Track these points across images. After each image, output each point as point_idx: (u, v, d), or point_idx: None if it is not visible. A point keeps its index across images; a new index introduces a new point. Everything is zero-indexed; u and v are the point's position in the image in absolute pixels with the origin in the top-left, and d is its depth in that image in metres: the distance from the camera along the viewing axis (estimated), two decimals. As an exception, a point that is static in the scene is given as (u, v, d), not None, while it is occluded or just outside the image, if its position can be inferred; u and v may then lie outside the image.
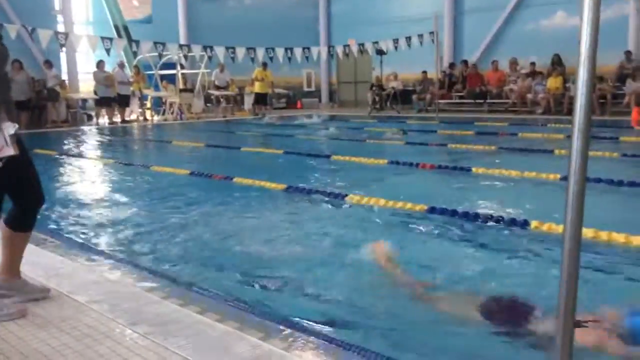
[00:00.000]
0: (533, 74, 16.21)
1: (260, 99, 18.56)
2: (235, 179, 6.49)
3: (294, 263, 3.63)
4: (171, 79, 18.28)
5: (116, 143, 12.64)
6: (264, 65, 17.98)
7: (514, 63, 17.11)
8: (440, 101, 17.79)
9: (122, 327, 2.54)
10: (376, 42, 17.44)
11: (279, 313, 2.75)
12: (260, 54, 16.64)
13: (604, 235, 3.73)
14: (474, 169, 6.73)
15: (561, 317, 1.55)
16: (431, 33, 16.36)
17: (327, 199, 5.42)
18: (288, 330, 2.49)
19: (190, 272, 3.54)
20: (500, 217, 4.41)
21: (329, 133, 12.80)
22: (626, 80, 14.29)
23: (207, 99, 19.25)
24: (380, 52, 17.95)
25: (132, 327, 2.52)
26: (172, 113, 17.62)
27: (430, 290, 2.93)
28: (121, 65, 16.66)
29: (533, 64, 16.54)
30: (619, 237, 3.70)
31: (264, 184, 6.12)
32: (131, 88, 16.76)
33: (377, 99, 19.09)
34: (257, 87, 18.36)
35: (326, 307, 2.94)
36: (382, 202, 5.04)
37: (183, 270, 3.57)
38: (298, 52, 17.13)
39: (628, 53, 15.07)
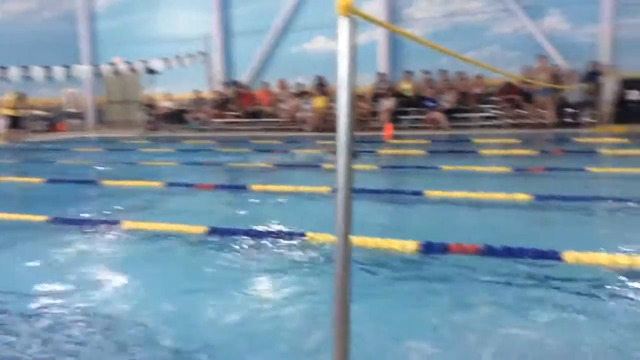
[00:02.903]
0: (301, 94, 17.24)
1: (15, 122, 16.69)
2: (-15, 214, 5.67)
3: (61, 302, 3.27)
4: None
5: None
6: (20, 95, 16.25)
7: (282, 83, 18.02)
8: (215, 120, 17.94)
9: None
10: (145, 61, 16.94)
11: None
12: (15, 73, 14.97)
13: (370, 241, 4.06)
14: (251, 186, 6.86)
15: (337, 320, 1.63)
16: (202, 53, 16.46)
17: (98, 227, 5.04)
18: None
19: None
20: (280, 231, 4.54)
21: (97, 157, 11.99)
22: (380, 99, 16.01)
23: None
24: (150, 71, 17.48)
25: None
26: None
27: None
28: None
29: (300, 84, 17.59)
30: (383, 243, 4.06)
31: (21, 217, 5.45)
32: None
33: (150, 119, 18.51)
34: (10, 110, 16.49)
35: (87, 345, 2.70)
36: (159, 226, 4.85)
37: None
38: (58, 70, 15.83)
39: (380, 74, 16.89)
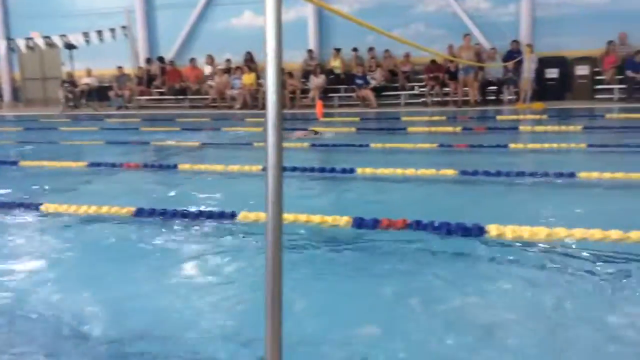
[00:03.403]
0: (229, 70, 16.94)
1: None
2: None
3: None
4: None
5: None
6: None
7: (210, 59, 17.61)
8: (140, 97, 17.37)
9: None
10: (64, 35, 16.13)
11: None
12: None
13: (302, 217, 4.07)
14: (180, 166, 6.71)
15: (269, 299, 1.62)
16: (124, 27, 15.84)
17: (16, 210, 4.78)
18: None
19: None
20: (211, 211, 4.47)
21: (15, 136, 11.37)
22: (310, 77, 15.98)
23: None
24: (69, 46, 16.67)
25: None
26: None
27: None
28: None
29: (229, 60, 17.27)
30: (315, 219, 4.09)
31: None
32: None
33: (70, 96, 17.69)
34: None
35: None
36: (83, 208, 4.66)
37: None
38: (-32, 45, 14.82)
39: (310, 52, 16.83)
